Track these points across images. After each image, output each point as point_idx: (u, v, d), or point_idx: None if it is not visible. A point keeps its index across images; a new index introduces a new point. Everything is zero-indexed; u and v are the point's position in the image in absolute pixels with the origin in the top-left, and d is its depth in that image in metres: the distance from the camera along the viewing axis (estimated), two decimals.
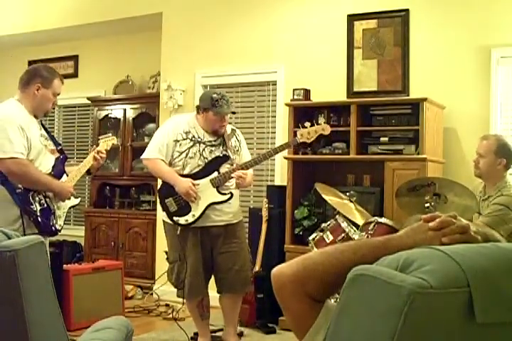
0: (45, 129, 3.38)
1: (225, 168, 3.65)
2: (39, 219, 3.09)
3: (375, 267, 0.99)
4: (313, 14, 5.03)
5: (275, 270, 1.23)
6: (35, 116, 3.28)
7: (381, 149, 4.30)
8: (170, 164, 3.66)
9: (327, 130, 3.76)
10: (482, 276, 0.96)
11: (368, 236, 3.38)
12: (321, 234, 3.63)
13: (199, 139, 3.65)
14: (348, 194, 3.88)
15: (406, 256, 0.98)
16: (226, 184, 3.66)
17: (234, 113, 3.96)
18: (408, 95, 4.59)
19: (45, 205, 3.16)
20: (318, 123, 3.75)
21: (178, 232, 3.61)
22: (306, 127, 3.73)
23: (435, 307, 0.92)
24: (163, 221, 3.76)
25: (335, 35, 4.92)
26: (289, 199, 4.51)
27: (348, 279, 1.00)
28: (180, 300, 4.81)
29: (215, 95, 3.63)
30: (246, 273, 3.75)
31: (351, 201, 3.84)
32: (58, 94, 3.35)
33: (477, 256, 1.00)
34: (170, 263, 3.82)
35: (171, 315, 4.78)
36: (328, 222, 3.67)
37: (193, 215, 3.59)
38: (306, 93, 4.77)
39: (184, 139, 3.64)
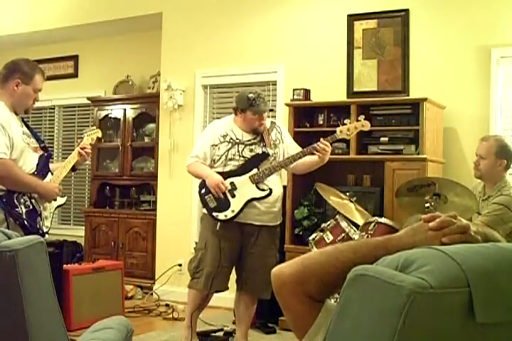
0: (27, 126, 3.20)
1: (265, 165, 3.68)
2: (25, 223, 2.93)
3: (375, 267, 0.99)
4: (313, 14, 5.03)
5: (275, 270, 1.23)
6: (16, 113, 3.10)
7: (381, 149, 4.30)
8: (211, 167, 3.71)
9: (367, 126, 3.71)
10: (482, 276, 0.96)
11: (368, 236, 3.38)
12: (321, 234, 3.63)
13: (237, 140, 3.69)
14: (348, 194, 3.88)
15: (406, 256, 0.98)
16: (266, 181, 3.67)
17: (271, 110, 3.98)
18: (408, 95, 4.59)
19: (31, 207, 3.00)
20: (357, 120, 3.72)
21: (218, 228, 3.63)
22: (346, 124, 3.69)
23: (435, 307, 0.92)
24: (203, 213, 3.81)
25: (335, 35, 4.92)
26: (289, 199, 4.51)
27: (348, 279, 1.00)
28: (180, 300, 4.83)
29: (251, 95, 3.66)
30: (270, 279, 3.71)
31: (351, 201, 3.83)
32: (40, 90, 3.17)
33: (477, 256, 1.00)
34: (196, 250, 3.86)
35: (171, 315, 4.79)
36: (328, 222, 3.67)
37: (233, 211, 3.62)
38: (306, 93, 4.77)
39: (222, 142, 3.69)
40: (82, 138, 3.39)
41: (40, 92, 3.20)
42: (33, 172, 3.07)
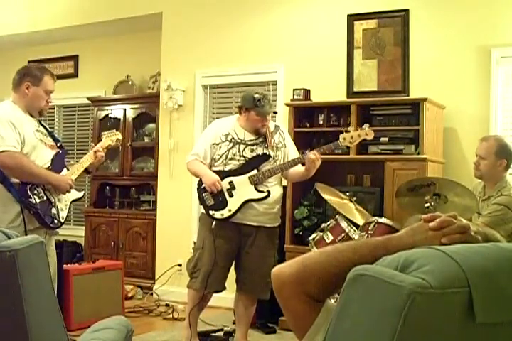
0: (44, 127, 3.39)
1: (265, 167, 3.67)
2: (39, 212, 3.09)
3: (375, 267, 0.98)
4: (313, 14, 5.03)
5: (275, 269, 1.23)
6: (31, 115, 3.28)
7: (381, 149, 4.30)
8: (211, 166, 3.72)
9: (370, 135, 3.67)
10: (482, 276, 0.95)
11: (368, 236, 3.38)
12: (321, 234, 3.63)
13: (239, 140, 3.69)
14: (347, 194, 3.88)
15: (406, 256, 0.98)
16: (265, 183, 3.67)
17: (276, 112, 4.01)
18: (408, 95, 4.59)
19: (45, 198, 3.16)
20: (361, 128, 3.69)
21: (213, 226, 3.64)
22: (350, 131, 3.66)
23: (435, 307, 0.91)
24: (201, 212, 3.83)
25: (335, 35, 4.92)
26: (289, 199, 4.51)
27: (348, 279, 1.00)
28: (180, 300, 4.83)
29: (257, 95, 3.66)
30: (268, 279, 3.71)
31: (351, 201, 3.83)
32: (51, 92, 3.33)
33: (477, 256, 1.00)
34: (194, 250, 3.87)
35: (171, 315, 4.79)
36: (328, 222, 3.67)
37: (229, 210, 3.63)
38: (306, 93, 4.77)
39: (223, 141, 3.70)
40: (101, 139, 3.55)
41: (52, 94, 3.36)
42: (48, 167, 3.22)
